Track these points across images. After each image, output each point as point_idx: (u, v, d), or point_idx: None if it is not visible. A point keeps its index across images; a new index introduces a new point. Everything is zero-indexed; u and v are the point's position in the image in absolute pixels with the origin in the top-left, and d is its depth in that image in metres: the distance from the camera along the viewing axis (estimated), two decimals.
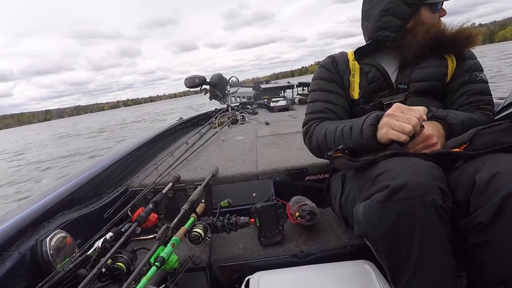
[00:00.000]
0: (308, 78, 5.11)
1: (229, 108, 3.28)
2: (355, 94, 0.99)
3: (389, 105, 0.83)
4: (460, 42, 0.91)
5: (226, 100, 3.57)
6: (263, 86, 5.20)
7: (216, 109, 3.31)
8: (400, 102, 0.80)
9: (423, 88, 0.92)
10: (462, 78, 0.93)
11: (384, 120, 0.71)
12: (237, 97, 4.78)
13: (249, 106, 3.83)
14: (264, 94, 4.85)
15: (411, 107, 0.71)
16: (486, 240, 0.58)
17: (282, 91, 5.29)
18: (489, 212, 0.56)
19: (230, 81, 3.85)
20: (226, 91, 3.65)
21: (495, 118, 0.94)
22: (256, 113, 3.37)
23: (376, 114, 0.76)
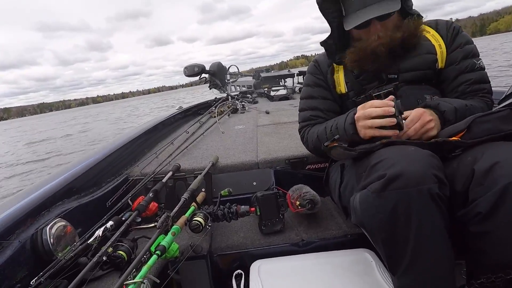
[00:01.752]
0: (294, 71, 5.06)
1: (229, 97, 3.25)
2: (342, 89, 1.01)
3: (378, 97, 0.81)
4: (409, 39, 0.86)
5: (226, 89, 3.53)
6: (263, 75, 5.15)
7: (216, 98, 3.29)
8: (389, 92, 0.79)
9: (413, 78, 0.91)
10: (460, 65, 0.90)
11: (359, 124, 0.78)
12: (236, 86, 4.74)
13: (249, 95, 3.80)
14: (264, 83, 4.81)
15: (368, 101, 0.76)
16: (485, 231, 0.57)
17: (282, 80, 5.23)
18: (488, 203, 0.56)
19: (229, 70, 3.81)
20: (226, 80, 3.61)
21: (500, 106, 0.92)
22: (256, 102, 3.34)
23: (354, 112, 0.81)
